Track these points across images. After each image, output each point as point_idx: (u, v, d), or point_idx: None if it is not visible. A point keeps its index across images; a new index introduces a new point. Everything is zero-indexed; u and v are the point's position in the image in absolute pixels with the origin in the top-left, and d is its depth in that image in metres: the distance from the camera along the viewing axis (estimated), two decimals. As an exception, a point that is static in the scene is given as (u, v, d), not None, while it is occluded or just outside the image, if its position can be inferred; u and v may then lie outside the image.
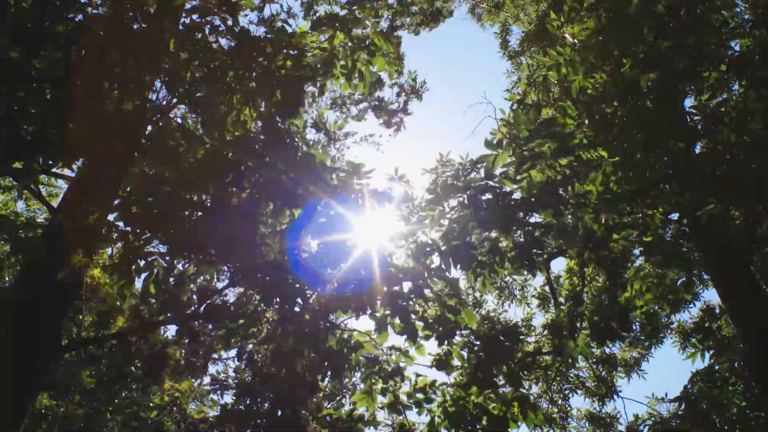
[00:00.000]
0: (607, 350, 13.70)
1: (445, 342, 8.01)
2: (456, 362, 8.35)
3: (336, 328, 7.98)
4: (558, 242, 9.18)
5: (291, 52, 7.34)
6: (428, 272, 7.76)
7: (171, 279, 6.61)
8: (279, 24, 7.48)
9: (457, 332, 8.02)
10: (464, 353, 8.28)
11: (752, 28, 9.21)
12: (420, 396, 8.40)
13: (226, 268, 7.21)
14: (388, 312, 7.78)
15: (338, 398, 15.17)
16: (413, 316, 7.79)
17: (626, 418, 13.40)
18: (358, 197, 7.49)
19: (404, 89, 17.17)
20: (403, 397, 8.47)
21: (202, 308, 6.85)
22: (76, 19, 6.75)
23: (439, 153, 8.82)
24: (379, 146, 18.11)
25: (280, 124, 7.45)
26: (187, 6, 7.47)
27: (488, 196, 7.47)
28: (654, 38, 8.14)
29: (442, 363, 8.30)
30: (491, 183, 7.54)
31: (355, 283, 7.35)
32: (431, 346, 8.71)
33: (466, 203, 7.60)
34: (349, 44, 8.16)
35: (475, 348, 8.10)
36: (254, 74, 7.14)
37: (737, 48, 9.61)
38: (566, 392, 14.48)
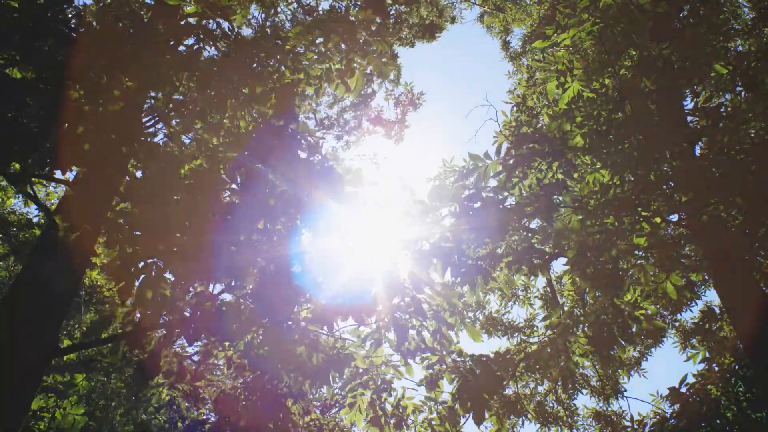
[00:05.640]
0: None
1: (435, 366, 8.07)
2: (446, 384, 8.39)
3: (329, 336, 8.00)
4: (559, 244, 9.18)
5: (285, 56, 7.36)
6: (430, 285, 7.76)
7: (168, 283, 6.64)
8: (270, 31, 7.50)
9: (450, 356, 8.05)
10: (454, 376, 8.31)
11: (753, 28, 9.19)
12: (399, 413, 8.43)
13: (225, 277, 7.20)
14: (383, 324, 7.81)
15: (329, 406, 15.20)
16: (411, 332, 7.81)
17: (631, 416, 13.38)
18: (361, 203, 7.51)
19: (401, 101, 17.18)
20: (389, 407, 8.48)
21: (197, 313, 6.86)
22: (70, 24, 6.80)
23: (443, 160, 8.82)
24: (378, 160, 18.15)
25: (277, 128, 7.46)
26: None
27: (479, 204, 7.48)
28: (651, 40, 8.14)
29: (431, 384, 8.33)
30: (484, 193, 7.55)
31: (354, 294, 7.34)
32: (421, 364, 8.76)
33: (459, 211, 7.62)
34: (344, 46, 8.16)
35: (464, 373, 8.11)
36: (248, 79, 7.15)
37: (739, 48, 9.60)
38: (571, 392, 14.48)
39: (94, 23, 6.84)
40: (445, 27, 18.05)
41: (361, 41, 8.09)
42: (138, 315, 7.81)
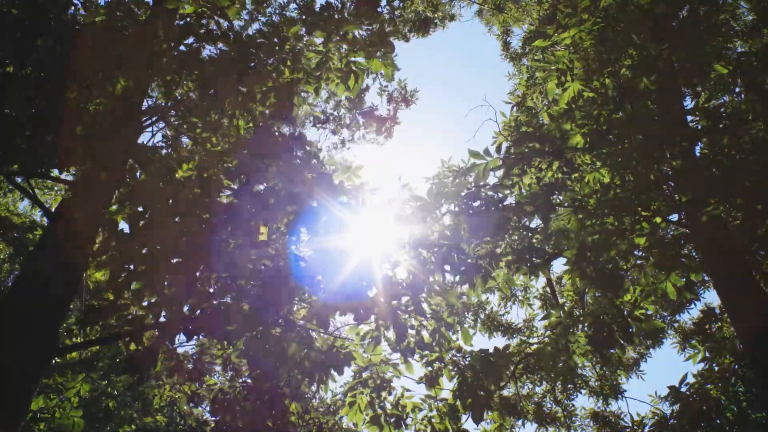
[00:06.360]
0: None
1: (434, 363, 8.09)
2: (445, 381, 8.40)
3: (329, 335, 8.02)
4: (559, 244, 9.18)
5: (285, 55, 7.36)
6: (429, 284, 7.77)
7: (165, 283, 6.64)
8: (268, 28, 7.49)
9: (449, 353, 8.07)
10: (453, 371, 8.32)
11: (753, 30, 9.19)
12: (399, 411, 8.45)
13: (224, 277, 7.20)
14: (382, 322, 7.82)
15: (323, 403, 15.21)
16: (410, 331, 7.83)
17: (630, 417, 13.37)
18: (360, 203, 7.51)
19: (394, 98, 17.19)
20: (388, 406, 8.50)
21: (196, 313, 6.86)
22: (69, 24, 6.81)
23: (441, 159, 8.81)
24: (380, 145, 18.12)
25: (276, 129, 7.47)
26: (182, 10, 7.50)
27: (479, 202, 7.48)
28: (651, 40, 8.14)
29: (430, 381, 8.34)
30: (483, 190, 7.55)
31: (353, 293, 7.34)
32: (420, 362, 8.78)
33: (457, 210, 7.62)
34: (345, 47, 8.17)
35: (463, 369, 8.12)
36: (247, 78, 7.15)
37: (739, 49, 9.61)
38: (569, 391, 14.49)
39: (93, 22, 6.84)
40: (444, 25, 18.04)
41: (360, 40, 8.09)
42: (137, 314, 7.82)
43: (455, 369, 8.16)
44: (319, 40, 8.13)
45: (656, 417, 10.30)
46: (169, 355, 8.45)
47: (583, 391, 14.41)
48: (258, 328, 7.20)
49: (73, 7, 7.19)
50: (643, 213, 8.32)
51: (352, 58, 8.28)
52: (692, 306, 13.11)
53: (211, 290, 7.03)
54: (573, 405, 14.68)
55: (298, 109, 8.07)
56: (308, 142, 7.34)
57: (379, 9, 7.73)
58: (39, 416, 10.03)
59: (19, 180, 7.93)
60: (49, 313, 7.45)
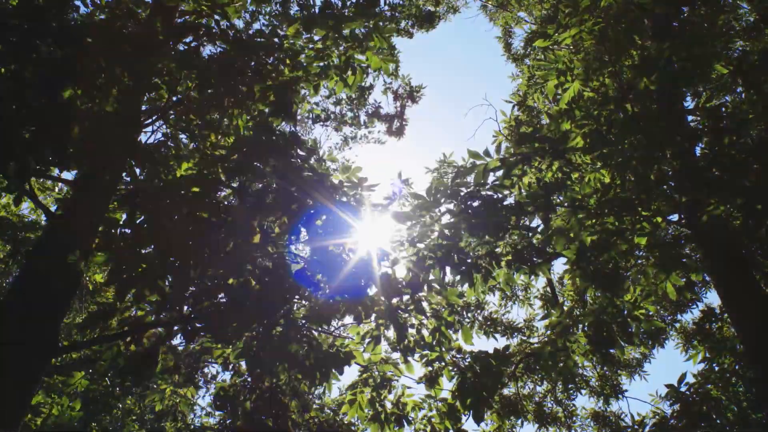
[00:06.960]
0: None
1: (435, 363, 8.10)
2: (445, 381, 8.42)
3: (328, 335, 8.03)
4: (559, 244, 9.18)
5: (283, 54, 7.36)
6: (428, 285, 7.77)
7: (166, 282, 6.64)
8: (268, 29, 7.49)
9: (449, 353, 8.08)
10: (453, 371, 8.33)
11: (753, 30, 9.19)
12: (399, 410, 8.47)
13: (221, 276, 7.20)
14: (382, 321, 7.82)
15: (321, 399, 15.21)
16: (410, 330, 7.84)
17: (631, 417, 13.35)
18: (359, 202, 7.51)
19: (399, 95, 17.05)
20: (389, 405, 8.51)
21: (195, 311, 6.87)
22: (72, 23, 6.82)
23: (443, 153, 8.83)
24: (382, 143, 18.05)
25: (275, 128, 7.47)
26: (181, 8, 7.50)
27: (479, 202, 7.48)
28: (651, 40, 8.14)
29: (430, 381, 8.35)
30: (482, 190, 7.55)
31: (352, 292, 7.34)
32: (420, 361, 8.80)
33: (456, 210, 7.63)
34: (344, 45, 8.17)
35: (463, 370, 8.12)
36: (247, 77, 7.15)
37: (739, 50, 9.61)
38: (570, 391, 14.49)
39: (93, 21, 6.84)
40: (447, 18, 17.96)
41: (360, 37, 8.08)
42: (137, 314, 7.82)
43: (455, 369, 8.17)
44: (317, 38, 8.13)
45: (657, 417, 10.31)
46: (169, 356, 8.45)
47: (583, 391, 14.41)
48: (258, 328, 7.20)
49: (73, 9, 7.20)
50: (643, 213, 8.32)
51: (352, 55, 8.28)
52: (694, 306, 13.12)
53: (211, 290, 7.03)
54: (573, 405, 14.70)
55: (297, 107, 8.06)
56: (307, 143, 7.34)
57: (378, 8, 7.67)
58: (38, 411, 10.04)
59: (18, 180, 7.92)
60: (49, 313, 7.44)
